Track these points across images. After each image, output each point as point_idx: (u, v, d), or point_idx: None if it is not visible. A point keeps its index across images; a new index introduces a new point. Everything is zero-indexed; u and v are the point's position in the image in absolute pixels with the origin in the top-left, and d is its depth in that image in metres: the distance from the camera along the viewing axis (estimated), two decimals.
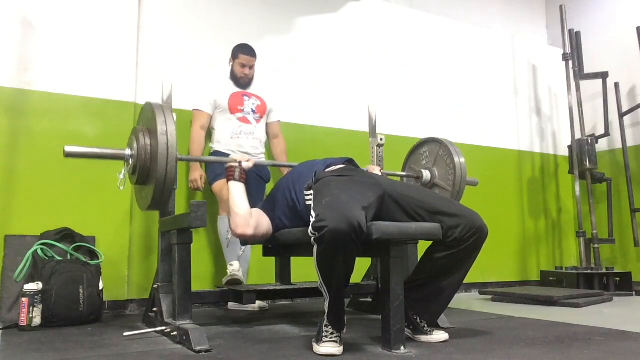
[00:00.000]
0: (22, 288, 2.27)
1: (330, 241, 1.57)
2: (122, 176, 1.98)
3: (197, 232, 2.94)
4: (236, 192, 2.01)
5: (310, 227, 1.63)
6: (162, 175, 1.83)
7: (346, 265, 1.65)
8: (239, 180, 2.04)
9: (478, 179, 2.70)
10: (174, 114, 2.17)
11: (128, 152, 1.94)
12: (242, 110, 2.97)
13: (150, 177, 1.90)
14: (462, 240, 1.86)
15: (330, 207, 1.65)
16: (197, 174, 2.89)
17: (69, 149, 1.85)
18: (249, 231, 1.97)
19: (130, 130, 2.82)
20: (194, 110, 2.96)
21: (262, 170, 3.03)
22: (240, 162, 2.07)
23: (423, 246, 2.03)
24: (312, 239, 1.63)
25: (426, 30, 4.16)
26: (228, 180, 2.05)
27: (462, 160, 2.52)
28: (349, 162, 2.15)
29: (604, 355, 1.67)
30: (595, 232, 4.07)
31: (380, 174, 2.45)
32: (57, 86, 2.77)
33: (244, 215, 1.96)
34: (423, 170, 2.63)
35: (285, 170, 3.06)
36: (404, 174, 2.70)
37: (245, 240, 2.15)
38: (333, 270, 1.64)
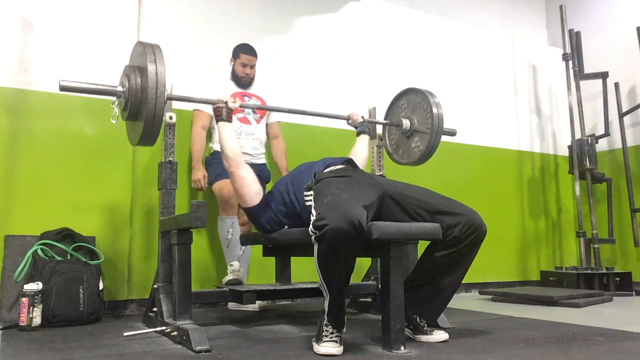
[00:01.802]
0: (22, 288, 2.27)
1: (331, 240, 1.58)
2: (114, 107, 2.03)
3: (197, 232, 2.94)
4: (225, 132, 2.11)
5: (311, 226, 1.63)
6: (152, 111, 1.88)
7: (347, 264, 1.65)
8: (227, 120, 2.13)
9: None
10: (174, 116, 2.19)
11: (120, 88, 2.00)
12: (243, 111, 2.96)
13: (140, 112, 1.96)
14: (461, 239, 1.86)
15: (331, 206, 1.65)
16: (200, 173, 2.89)
17: (63, 82, 1.95)
18: (240, 170, 2.05)
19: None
20: (194, 110, 2.96)
21: (262, 171, 3.02)
22: (226, 102, 2.15)
23: (423, 246, 2.03)
24: (313, 237, 1.63)
25: (426, 30, 4.16)
26: (217, 121, 2.15)
27: (441, 111, 2.53)
28: (348, 162, 2.15)
29: (604, 355, 1.67)
30: (595, 232, 4.07)
31: (361, 119, 2.60)
32: (57, 86, 2.76)
33: (233, 155, 2.06)
34: (403, 119, 2.66)
35: (285, 172, 3.07)
36: (384, 122, 2.75)
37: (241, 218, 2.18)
38: (334, 269, 1.64)
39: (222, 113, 2.14)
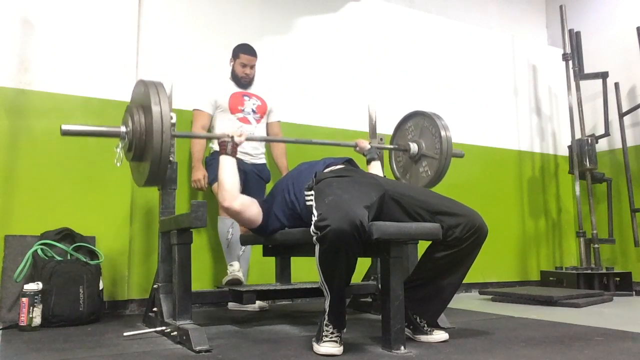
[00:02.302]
0: (22, 288, 2.27)
1: (332, 240, 1.58)
2: (118, 150, 2.01)
3: (197, 232, 2.94)
4: (226, 166, 2.09)
5: (312, 227, 1.63)
6: (158, 151, 1.86)
7: (348, 265, 1.65)
8: (231, 155, 2.12)
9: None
10: (174, 115, 2.17)
11: (123, 129, 1.97)
12: (243, 111, 2.97)
13: (146, 153, 1.93)
14: (462, 240, 1.86)
15: (333, 206, 1.65)
16: (200, 173, 2.89)
17: (65, 127, 1.91)
18: (235, 205, 2.02)
19: None
20: (194, 110, 2.96)
21: (262, 171, 3.03)
22: (232, 137, 2.13)
23: (423, 246, 2.03)
24: (314, 238, 1.63)
25: (426, 30, 4.16)
26: (220, 154, 2.12)
27: (449, 134, 2.51)
28: (348, 162, 2.15)
29: (604, 355, 1.67)
30: (595, 232, 4.07)
31: (369, 146, 2.54)
32: (57, 86, 2.77)
33: (230, 189, 2.04)
34: (410, 143, 2.64)
35: (285, 171, 3.07)
36: (391, 146, 2.72)
37: (239, 226, 2.18)
38: (335, 270, 1.64)
39: (227, 147, 2.12)
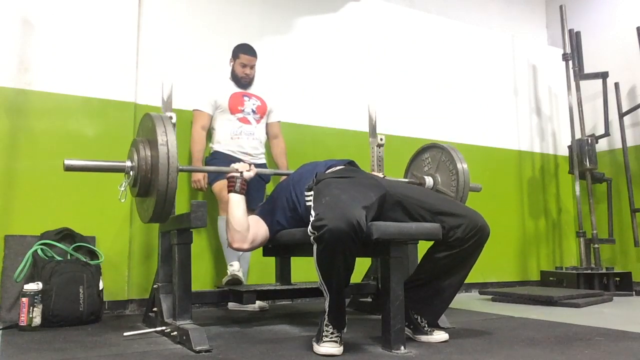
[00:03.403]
0: (22, 288, 2.27)
1: (329, 240, 1.58)
2: (122, 188, 1.94)
3: (197, 232, 2.94)
4: (236, 206, 1.97)
5: (310, 226, 1.63)
6: (164, 187, 1.79)
7: (346, 265, 1.65)
8: (240, 192, 2.00)
9: (480, 184, 2.68)
10: (174, 115, 2.16)
11: (128, 163, 1.90)
12: (242, 111, 2.97)
13: (151, 189, 1.86)
14: (464, 240, 1.86)
15: (330, 206, 1.66)
16: (200, 174, 2.89)
17: (68, 162, 1.81)
18: (245, 246, 1.99)
19: (129, 131, 2.85)
20: (194, 110, 2.96)
21: None
22: (241, 173, 2.02)
23: (423, 246, 2.03)
24: (312, 238, 1.63)
25: (426, 30, 4.16)
26: (229, 192, 2.01)
27: (465, 166, 2.48)
28: (350, 163, 2.15)
29: (604, 355, 1.67)
30: (595, 232, 4.07)
31: (382, 176, 2.42)
32: (57, 86, 2.77)
33: (241, 231, 1.96)
34: (425, 177, 2.59)
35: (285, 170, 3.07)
36: (406, 180, 2.67)
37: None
38: (333, 270, 1.64)
39: (236, 184, 2.00)
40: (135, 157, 1.88)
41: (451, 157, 2.50)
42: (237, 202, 1.98)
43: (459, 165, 2.46)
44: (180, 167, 1.94)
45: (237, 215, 1.96)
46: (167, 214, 1.89)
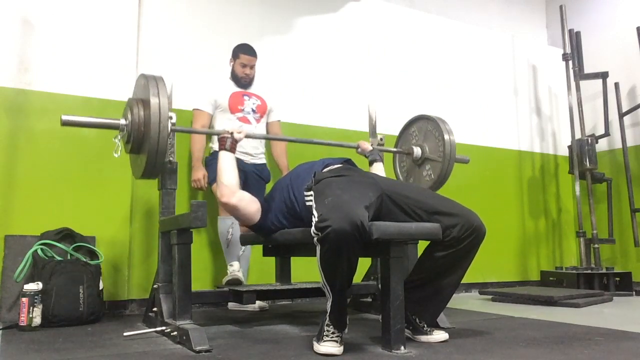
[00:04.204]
0: (22, 288, 2.27)
1: (334, 241, 1.58)
2: (116, 140, 2.03)
3: (197, 232, 2.94)
4: (225, 162, 2.09)
5: (313, 228, 1.63)
6: (155, 145, 1.88)
7: (349, 265, 1.65)
8: (230, 150, 2.13)
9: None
10: (174, 115, 2.18)
11: (123, 121, 1.99)
12: (242, 110, 2.97)
13: (144, 146, 1.95)
14: (460, 240, 1.86)
15: (333, 207, 1.66)
16: (200, 173, 2.89)
17: (65, 117, 1.93)
18: (233, 200, 2.02)
19: None
20: (194, 110, 2.96)
21: (262, 171, 3.03)
22: (232, 133, 2.15)
23: (423, 246, 2.03)
24: (315, 239, 1.63)
25: (426, 30, 4.16)
26: (220, 150, 2.13)
27: (453, 137, 2.52)
28: (347, 161, 2.16)
29: (604, 355, 1.67)
30: (595, 232, 4.07)
31: (371, 147, 2.53)
32: (57, 86, 2.77)
33: (228, 185, 2.04)
34: (414, 147, 2.65)
35: (286, 170, 3.07)
36: (394, 149, 2.74)
37: (239, 225, 2.20)
38: (337, 270, 1.64)
39: (227, 143, 2.13)
40: (129, 116, 1.97)
41: (437, 126, 2.55)
42: (226, 157, 2.11)
43: (446, 137, 2.50)
44: (174, 128, 2.07)
45: (226, 170, 2.07)
46: (159, 169, 1.99)
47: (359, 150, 2.56)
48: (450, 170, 2.51)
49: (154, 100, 1.88)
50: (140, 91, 2.05)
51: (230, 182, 2.04)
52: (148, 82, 1.93)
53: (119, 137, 2.02)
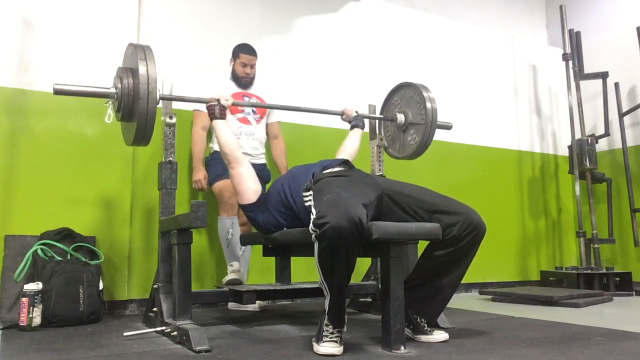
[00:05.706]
0: (22, 288, 2.27)
1: (331, 238, 1.58)
2: (108, 106, 2.07)
3: (197, 232, 2.94)
4: (220, 129, 2.17)
5: (311, 225, 1.63)
6: (144, 113, 1.93)
7: (347, 263, 1.65)
8: (220, 117, 2.19)
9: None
10: (174, 115, 2.19)
11: (113, 90, 2.03)
12: (243, 111, 2.96)
13: (134, 113, 2.00)
14: (460, 238, 1.86)
15: (331, 204, 1.66)
16: (201, 174, 2.88)
17: (57, 86, 1.96)
18: (237, 167, 2.11)
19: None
20: (194, 110, 2.95)
21: (262, 171, 3.02)
22: (219, 100, 2.19)
23: (422, 246, 2.03)
24: (313, 236, 1.63)
25: (426, 30, 4.16)
26: (210, 119, 2.22)
27: (435, 105, 2.56)
28: (345, 163, 2.16)
29: (604, 355, 1.67)
30: (595, 232, 4.07)
31: (355, 114, 2.64)
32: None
33: (231, 152, 2.12)
34: (397, 114, 2.70)
35: (284, 172, 3.06)
36: (379, 116, 2.80)
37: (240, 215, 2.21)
38: (334, 268, 1.64)
39: (215, 111, 2.18)
40: (119, 84, 2.01)
41: (418, 91, 2.60)
42: (220, 125, 2.18)
43: (427, 102, 2.55)
44: (162, 95, 2.11)
45: (224, 136, 2.14)
46: (148, 136, 2.02)
47: (344, 116, 2.69)
48: (434, 133, 2.57)
49: (142, 69, 1.93)
50: (128, 60, 2.09)
51: (232, 148, 2.12)
52: (136, 51, 1.98)
53: (110, 102, 2.06)
